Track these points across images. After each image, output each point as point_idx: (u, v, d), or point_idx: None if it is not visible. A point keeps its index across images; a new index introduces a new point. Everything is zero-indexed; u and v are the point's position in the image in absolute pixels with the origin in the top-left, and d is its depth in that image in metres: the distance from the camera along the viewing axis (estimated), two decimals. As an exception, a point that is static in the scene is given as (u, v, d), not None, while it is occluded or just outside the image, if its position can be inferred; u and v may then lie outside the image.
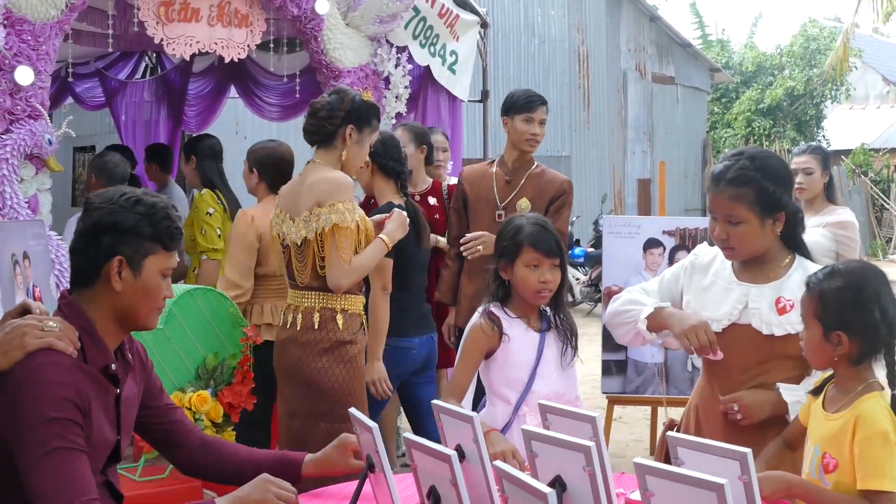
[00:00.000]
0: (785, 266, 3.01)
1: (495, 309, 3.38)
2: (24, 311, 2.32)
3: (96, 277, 2.34)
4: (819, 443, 2.57)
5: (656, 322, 3.07)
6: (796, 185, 5.29)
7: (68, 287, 2.41)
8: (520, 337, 3.35)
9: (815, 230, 5.30)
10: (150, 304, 2.41)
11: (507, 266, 3.37)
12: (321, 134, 4.14)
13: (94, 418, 2.23)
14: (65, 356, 2.19)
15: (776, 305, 2.94)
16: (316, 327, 4.05)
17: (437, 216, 5.50)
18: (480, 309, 3.41)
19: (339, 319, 4.06)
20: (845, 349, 2.57)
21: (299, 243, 4.05)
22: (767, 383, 2.94)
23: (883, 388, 2.57)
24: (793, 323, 2.88)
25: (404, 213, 4.32)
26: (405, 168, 4.87)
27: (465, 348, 3.39)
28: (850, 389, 2.57)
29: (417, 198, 5.59)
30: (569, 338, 3.41)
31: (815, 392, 2.71)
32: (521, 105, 5.16)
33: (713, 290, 3.07)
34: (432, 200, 5.58)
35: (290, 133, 11.17)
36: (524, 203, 5.12)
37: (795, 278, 2.95)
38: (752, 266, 3.02)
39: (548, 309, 3.44)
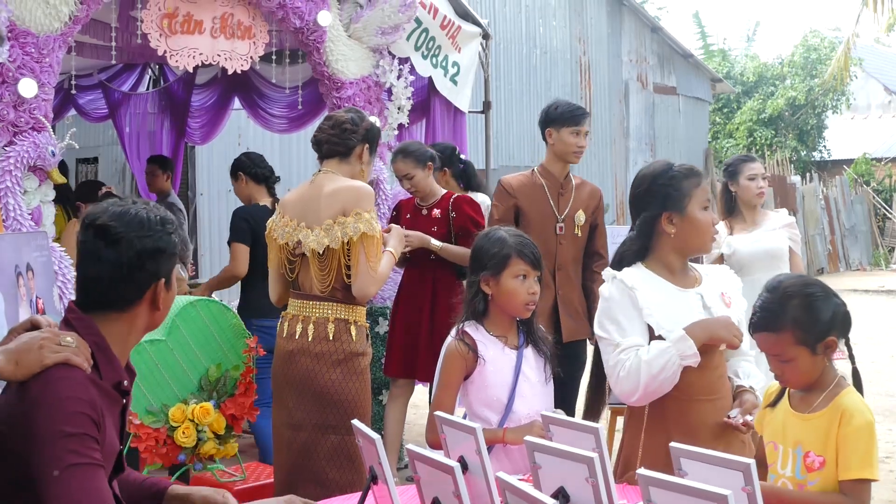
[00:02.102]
0: (692, 268, 3.20)
1: (471, 329, 3.29)
2: (34, 327, 2.31)
3: (137, 301, 2.35)
4: (800, 443, 2.61)
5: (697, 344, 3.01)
6: (758, 190, 5.39)
7: (73, 300, 2.40)
8: (496, 357, 3.26)
9: (776, 234, 5.39)
10: (167, 313, 2.47)
11: (491, 279, 3.28)
12: (344, 146, 4.16)
13: (106, 431, 2.24)
14: (80, 371, 2.20)
15: (723, 299, 3.08)
16: (330, 338, 4.03)
17: (434, 228, 5.51)
18: (455, 330, 3.32)
19: (353, 331, 4.06)
20: (834, 347, 2.63)
21: (321, 252, 4.04)
22: (724, 371, 3.12)
23: (849, 385, 2.66)
24: (735, 310, 3.10)
25: (400, 228, 4.40)
26: (273, 176, 5.95)
27: (443, 372, 3.29)
28: (821, 387, 2.63)
29: (425, 211, 5.60)
30: (546, 352, 3.36)
31: (773, 404, 2.77)
32: (569, 118, 5.21)
33: (668, 304, 3.06)
34: (436, 212, 5.59)
35: (293, 144, 11.22)
36: (581, 215, 5.31)
37: (711, 274, 3.18)
38: (679, 272, 3.13)
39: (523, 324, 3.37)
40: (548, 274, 5.28)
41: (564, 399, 5.15)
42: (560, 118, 5.21)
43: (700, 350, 2.97)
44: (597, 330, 3.12)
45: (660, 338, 3.02)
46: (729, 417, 3.00)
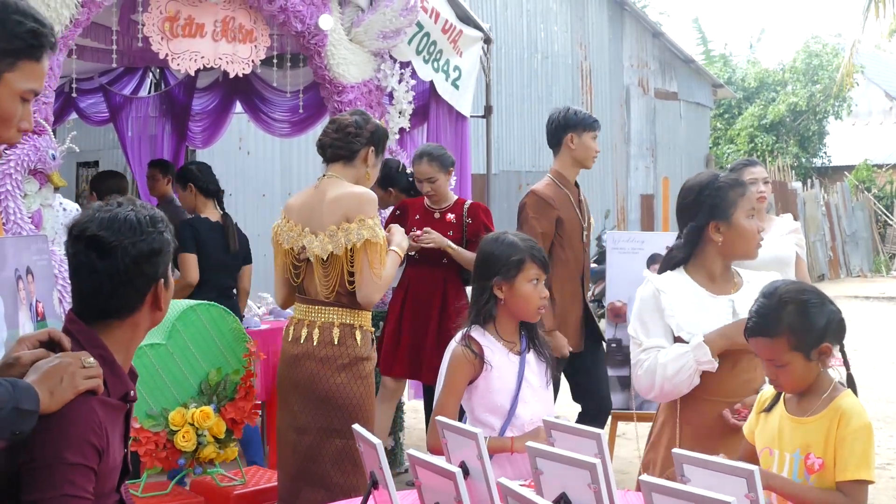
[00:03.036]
0: (736, 274, 3.33)
1: (477, 334, 3.28)
2: (51, 339, 2.28)
3: (139, 306, 2.31)
4: (799, 447, 2.65)
5: (714, 352, 3.16)
6: (759, 194, 5.33)
7: (72, 308, 2.36)
8: (501, 363, 3.26)
9: (784, 239, 5.36)
10: (167, 311, 2.43)
11: (504, 283, 3.27)
12: (347, 150, 4.14)
13: (109, 451, 2.21)
14: (91, 395, 2.18)
15: None
16: (335, 343, 4.03)
17: (450, 232, 5.54)
18: (460, 334, 3.32)
19: (358, 335, 4.05)
20: (828, 354, 2.67)
21: (325, 258, 4.03)
22: (755, 376, 3.20)
23: (846, 388, 2.70)
24: None
25: (399, 227, 4.38)
26: (219, 189, 6.04)
27: (449, 377, 3.28)
28: (818, 392, 2.66)
29: (437, 215, 5.61)
30: (547, 356, 3.37)
31: (767, 409, 2.80)
32: (591, 122, 5.25)
33: (696, 308, 3.21)
34: (450, 216, 5.62)
35: (293, 148, 11.21)
36: (593, 222, 5.44)
37: (755, 281, 3.25)
38: (720, 279, 3.28)
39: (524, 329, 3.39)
40: (577, 281, 5.28)
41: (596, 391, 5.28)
42: (582, 123, 5.22)
43: (723, 354, 3.13)
44: (629, 329, 3.33)
45: (680, 339, 3.19)
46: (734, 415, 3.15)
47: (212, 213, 5.97)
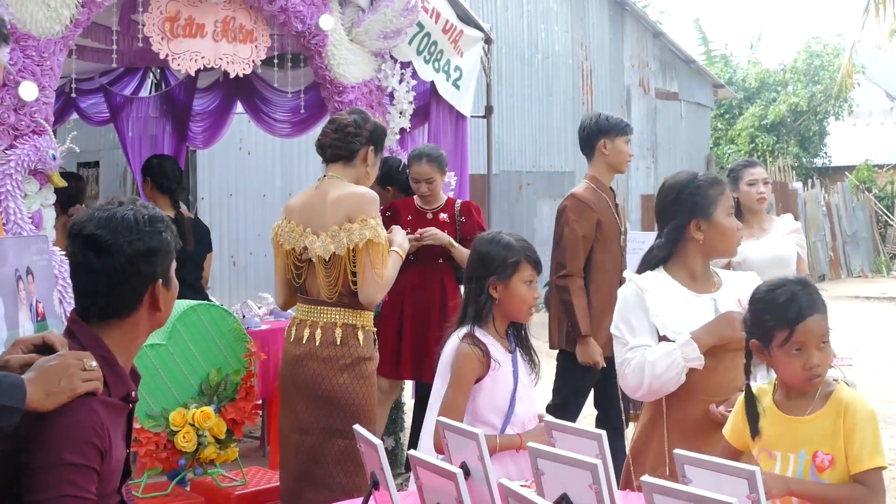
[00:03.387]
0: (714, 274, 3.36)
1: (479, 334, 3.31)
2: (45, 343, 2.27)
3: (136, 307, 2.31)
4: (805, 446, 2.64)
5: (702, 348, 3.18)
6: (759, 195, 5.34)
7: (74, 309, 2.35)
8: (503, 361, 3.30)
9: (785, 240, 5.35)
10: (170, 312, 2.41)
11: (499, 283, 3.31)
12: (347, 150, 4.14)
13: (112, 451, 2.21)
14: (92, 395, 2.17)
15: (739, 305, 3.17)
16: (338, 343, 4.03)
17: (445, 232, 5.55)
18: (462, 333, 3.33)
19: (360, 335, 4.06)
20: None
21: (327, 258, 4.03)
22: (737, 374, 3.16)
23: (838, 382, 2.72)
24: None
25: (400, 228, 4.40)
26: (179, 186, 6.12)
27: (458, 376, 3.28)
28: (813, 388, 2.66)
29: (430, 215, 5.61)
30: (532, 355, 3.41)
31: (756, 432, 2.74)
32: (623, 126, 5.23)
33: (679, 307, 3.23)
34: (443, 216, 5.63)
35: (294, 149, 11.21)
36: (629, 226, 5.31)
37: (733, 280, 3.33)
38: (700, 277, 3.30)
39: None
40: (616, 286, 5.24)
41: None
42: (615, 127, 5.20)
43: (707, 353, 3.15)
44: (612, 328, 3.32)
45: (665, 338, 3.19)
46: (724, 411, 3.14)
47: (168, 211, 5.94)
